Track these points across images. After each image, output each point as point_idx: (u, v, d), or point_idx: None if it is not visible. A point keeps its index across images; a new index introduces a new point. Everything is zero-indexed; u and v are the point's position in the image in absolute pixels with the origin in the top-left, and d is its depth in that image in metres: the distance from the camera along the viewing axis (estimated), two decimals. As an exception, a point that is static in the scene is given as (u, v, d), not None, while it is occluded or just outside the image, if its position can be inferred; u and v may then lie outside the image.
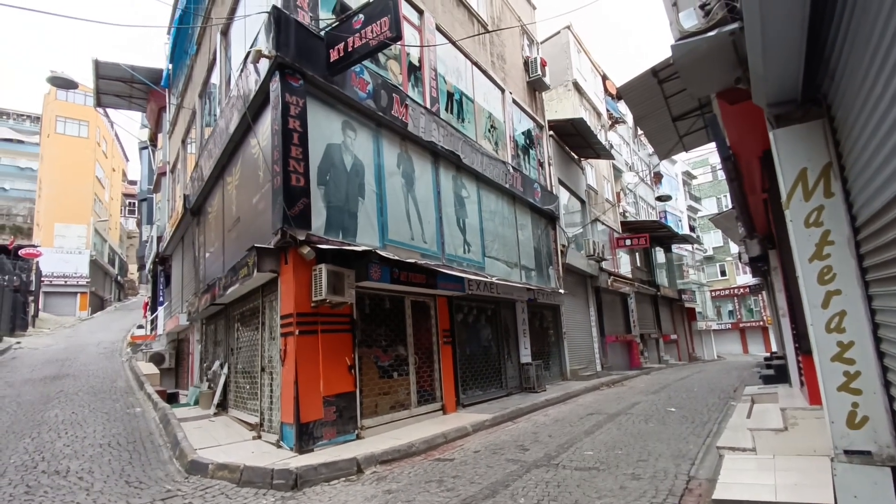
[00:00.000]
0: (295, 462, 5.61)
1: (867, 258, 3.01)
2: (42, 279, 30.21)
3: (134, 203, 45.86)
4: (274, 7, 6.84)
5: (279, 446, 6.56)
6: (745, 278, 38.26)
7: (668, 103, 8.26)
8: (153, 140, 21.60)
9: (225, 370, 9.67)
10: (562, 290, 15.13)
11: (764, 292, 21.78)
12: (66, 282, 34.07)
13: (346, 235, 7.62)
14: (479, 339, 11.47)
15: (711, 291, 43.68)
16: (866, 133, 2.56)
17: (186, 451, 6.06)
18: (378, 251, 7.59)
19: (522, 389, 12.12)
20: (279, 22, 6.83)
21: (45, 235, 34.97)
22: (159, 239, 17.69)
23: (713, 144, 9.55)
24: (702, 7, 3.47)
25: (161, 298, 18.10)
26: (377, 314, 8.41)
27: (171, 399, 11.02)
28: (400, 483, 5.11)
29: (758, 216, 8.04)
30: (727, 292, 43.57)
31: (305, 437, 6.33)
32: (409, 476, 5.38)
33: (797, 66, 2.97)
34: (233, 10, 9.22)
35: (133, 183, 47.93)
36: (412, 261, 8.27)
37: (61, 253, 34.13)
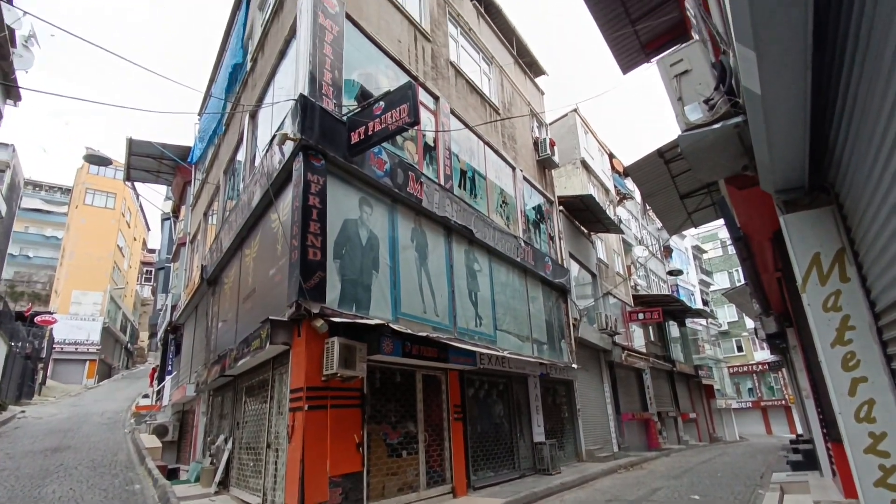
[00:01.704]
0: (298, 551, 5.30)
1: (891, 345, 2.98)
2: (54, 346, 30.26)
3: (151, 271, 46.71)
4: (301, 95, 7.35)
5: (282, 532, 6.22)
6: (763, 354, 37.16)
7: (676, 182, 8.50)
8: (176, 212, 22.40)
9: (229, 445, 9.38)
10: (575, 365, 14.78)
11: (784, 370, 21.08)
12: (76, 349, 34.09)
13: (360, 308, 7.67)
14: (491, 416, 11.10)
15: (729, 367, 42.29)
16: (878, 222, 2.63)
17: (185, 535, 5.77)
18: (391, 324, 7.58)
19: (536, 471, 11.52)
20: (305, 108, 7.30)
21: (62, 302, 35.49)
22: (173, 307, 17.84)
23: (722, 220, 9.71)
24: (706, 101, 3.69)
25: (169, 367, 17.93)
26: (387, 389, 8.24)
27: (172, 475, 10.63)
28: (409, 578, 4.77)
29: (772, 294, 8.00)
30: (745, 369, 42.16)
31: (310, 523, 6.01)
32: (419, 570, 5.03)
33: (802, 158, 3.11)
34: (262, 97, 9.89)
35: (152, 251, 49.12)
36: (424, 334, 8.22)
37: (76, 320, 34.46)
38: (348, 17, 8.66)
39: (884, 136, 2.18)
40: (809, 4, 2.09)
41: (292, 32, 8.55)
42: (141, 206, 47.48)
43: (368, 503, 6.97)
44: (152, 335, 28.43)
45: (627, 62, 8.64)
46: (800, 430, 20.33)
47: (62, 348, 32.99)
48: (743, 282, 12.39)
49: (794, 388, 13.66)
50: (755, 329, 22.00)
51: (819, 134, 3.13)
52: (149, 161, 17.27)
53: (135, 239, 46.35)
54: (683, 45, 7.60)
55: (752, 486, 9.45)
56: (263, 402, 8.14)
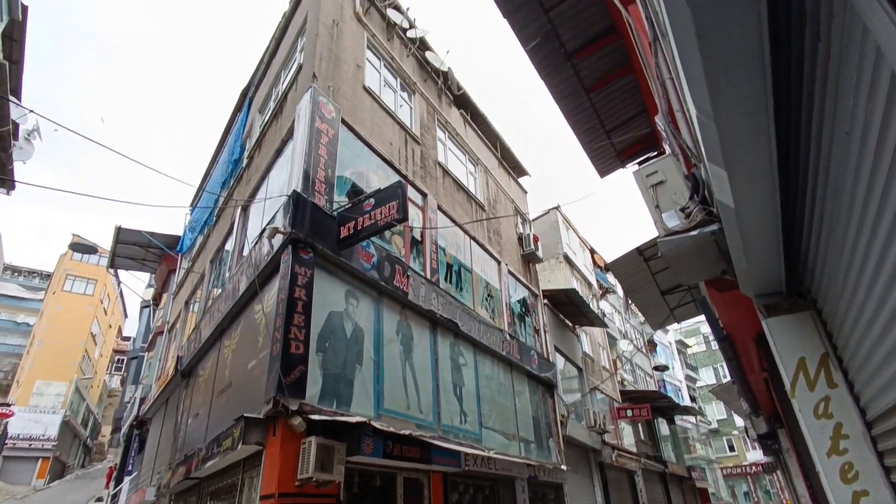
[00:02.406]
0: None
1: (888, 456, 2.92)
2: (6, 441, 27.91)
3: (123, 360, 44.68)
4: (294, 191, 7.60)
5: None
6: (756, 454, 35.84)
7: (656, 279, 8.72)
8: (157, 299, 21.99)
9: (186, 562, 8.44)
10: (564, 466, 14.04)
11: (779, 472, 20.25)
12: (30, 444, 31.42)
13: (340, 405, 7.35)
14: (476, 526, 10.27)
15: (722, 469, 40.54)
16: (858, 330, 2.70)
17: None
18: (372, 422, 7.24)
19: (526, 592, 10.47)
20: (297, 203, 7.52)
21: (22, 393, 33.30)
22: (142, 400, 16.89)
23: (703, 316, 9.84)
24: (682, 210, 3.91)
25: (129, 467, 16.55)
26: (366, 494, 7.66)
27: None
28: None
29: (760, 394, 7.92)
30: (739, 470, 40.43)
31: None
32: None
33: (778, 265, 3.25)
34: (255, 191, 10.20)
35: (127, 339, 47.36)
36: (407, 432, 7.83)
37: (35, 412, 32.13)
38: (344, 121, 9.23)
39: (853, 251, 2.31)
40: (772, 133, 2.31)
41: (290, 134, 9.03)
42: (121, 292, 46.51)
43: None
44: (115, 430, 26.54)
45: (604, 168, 9.24)
46: (803, 542, 19.10)
47: (14, 444, 30.39)
48: (729, 378, 12.29)
49: (791, 492, 13.05)
50: (745, 428, 21.45)
51: (793, 243, 3.30)
52: (135, 249, 17.25)
53: (110, 326, 44.82)
54: (655, 156, 8.20)
55: None
56: (230, 510, 7.48)
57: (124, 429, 20.22)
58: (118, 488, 17.06)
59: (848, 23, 1.67)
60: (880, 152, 1.76)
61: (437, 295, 10.35)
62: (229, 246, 11.04)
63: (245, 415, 6.59)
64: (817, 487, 5.17)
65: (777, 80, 2.15)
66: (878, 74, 1.58)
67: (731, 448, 42.21)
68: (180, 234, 16.03)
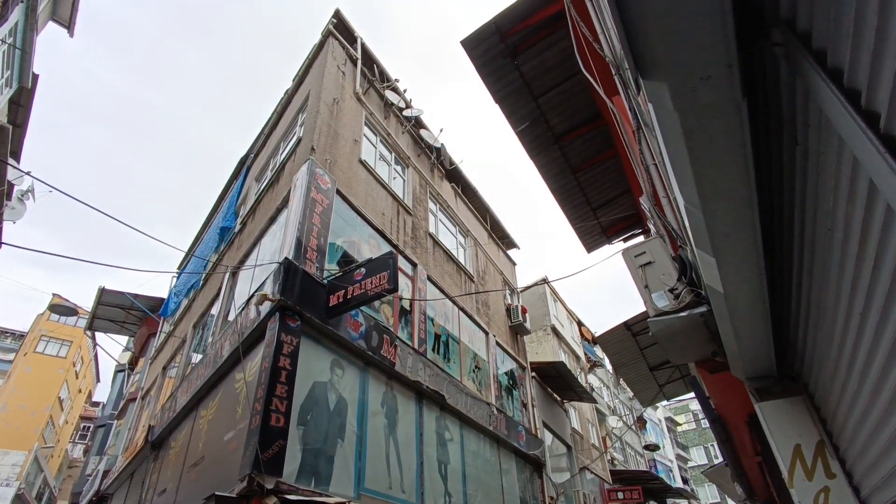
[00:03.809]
0: None
1: (892, 554, 2.82)
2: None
3: (90, 427, 42.07)
4: (286, 259, 7.62)
5: None
6: (755, 544, 33.98)
7: (644, 354, 8.70)
8: (133, 363, 21.17)
9: None
10: (554, 557, 13.17)
11: (780, 565, 19.13)
12: (-24, 518, 28.75)
13: (319, 483, 6.95)
14: None
15: (721, 560, 38.24)
16: (853, 420, 2.69)
17: None
18: (352, 503, 6.82)
19: None
20: (288, 271, 7.52)
21: (-24, 461, 30.93)
22: (106, 473, 15.77)
23: (692, 393, 9.71)
24: (671, 290, 3.99)
25: (81, 551, 15.14)
26: (341, 587, 7.06)
27: None
28: None
29: (755, 479, 7.66)
30: (738, 561, 38.14)
31: None
32: None
33: (768, 349, 3.29)
34: (246, 257, 10.21)
35: (96, 405, 44.88)
36: (389, 518, 7.37)
37: (-13, 486, 29.67)
38: (339, 192, 9.46)
39: (842, 342, 2.36)
40: (756, 225, 2.43)
41: (285, 202, 9.20)
42: (96, 355, 44.64)
43: None
44: (72, 504, 24.49)
45: (591, 244, 9.47)
46: None
47: (-43, 518, 27.81)
48: (721, 460, 11.92)
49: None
50: (742, 514, 20.53)
51: (782, 328, 3.36)
52: (117, 311, 16.83)
53: (80, 391, 42.53)
54: (640, 232, 8.44)
55: None
56: None
57: (83, 504, 18.68)
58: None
59: (824, 131, 1.82)
60: (863, 250, 1.85)
61: (424, 365, 10.15)
62: (215, 310, 10.85)
63: (217, 493, 6.18)
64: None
65: (760, 178, 2.30)
66: (855, 180, 1.70)
67: (728, 536, 40.03)
68: (164, 296, 15.77)
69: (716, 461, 33.48)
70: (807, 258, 2.50)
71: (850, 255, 1.96)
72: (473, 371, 12.93)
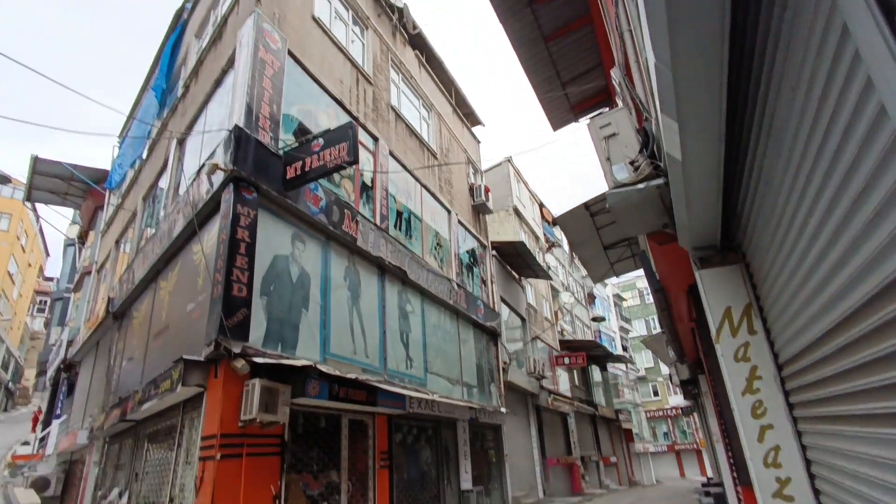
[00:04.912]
0: None
1: (792, 395, 3.23)
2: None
3: (46, 301, 41.88)
4: (236, 126, 7.13)
5: None
6: (678, 399, 39.20)
7: (600, 234, 9.00)
8: (83, 237, 20.51)
9: (124, 500, 8.36)
10: (504, 409, 14.79)
11: (696, 414, 22.28)
12: (-57, 388, 29.45)
13: (286, 348, 7.29)
14: (419, 463, 10.74)
15: (646, 412, 44.20)
16: (779, 283, 2.90)
17: None
18: (318, 365, 7.25)
19: (462, 522, 11.20)
20: (239, 139, 7.08)
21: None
22: (70, 343, 16.04)
23: (641, 270, 10.34)
24: (631, 163, 3.98)
25: (58, 411, 15.91)
26: (310, 434, 7.78)
27: (50, 538, 9.26)
28: None
29: (687, 343, 8.53)
30: (661, 413, 44.22)
31: (214, 590, 5.40)
32: None
33: (715, 220, 3.40)
34: (192, 124, 9.49)
35: (49, 279, 44.23)
36: (353, 376, 7.92)
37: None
38: (290, 54, 8.64)
39: (785, 205, 2.43)
40: (724, 86, 2.34)
41: (230, 63, 8.36)
42: (41, 229, 42.92)
43: (282, 564, 6.41)
44: (40, 373, 25.21)
45: (558, 120, 9.23)
46: (710, 474, 21.40)
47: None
48: (659, 330, 13.15)
49: (705, 432, 14.46)
50: (670, 375, 23.31)
51: (730, 200, 3.45)
52: (56, 182, 15.79)
53: (30, 265, 41.54)
54: (609, 109, 8.24)
55: (669, 531, 9.71)
56: (169, 450, 7.39)
57: (51, 372, 19.27)
58: (46, 432, 16.44)
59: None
60: (821, 107, 1.81)
61: (386, 242, 10.26)
62: (164, 183, 10.35)
63: (185, 357, 6.41)
64: (730, 424, 5.70)
65: (734, 33, 2.15)
66: (829, 27, 1.59)
67: (656, 393, 45.91)
68: (107, 168, 14.80)
69: (654, 332, 37.01)
70: (766, 122, 2.47)
71: (808, 116, 1.93)
72: (435, 248, 13.22)
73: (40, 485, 12.14)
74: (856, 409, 2.12)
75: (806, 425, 3.10)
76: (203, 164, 7.73)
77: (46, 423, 17.11)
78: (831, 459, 2.71)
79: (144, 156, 12.42)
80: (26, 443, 18.87)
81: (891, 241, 1.47)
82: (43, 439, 16.59)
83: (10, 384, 38.60)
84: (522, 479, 15.99)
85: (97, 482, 10.13)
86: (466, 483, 11.86)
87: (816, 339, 2.41)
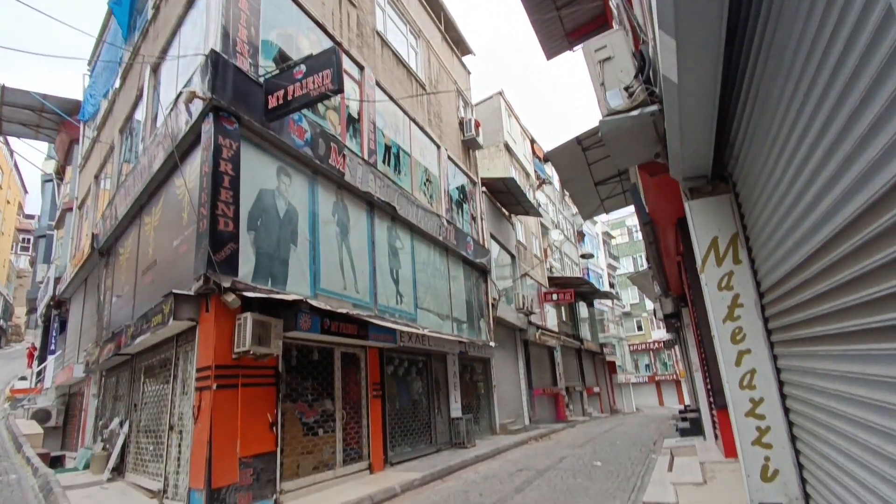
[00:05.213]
0: (202, 536, 5.03)
1: (771, 321, 3.32)
2: None
3: (29, 239, 41.29)
4: (212, 51, 6.73)
5: (184, 517, 5.88)
6: (660, 333, 40.66)
7: (591, 169, 8.89)
8: (60, 173, 19.91)
9: (125, 428, 8.66)
10: (492, 343, 15.26)
11: (677, 347, 23.20)
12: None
13: (276, 283, 7.31)
14: (410, 393, 11.18)
15: (630, 345, 45.93)
16: (766, 212, 2.89)
17: (71, 527, 5.26)
18: (309, 300, 7.31)
19: (452, 445, 11.83)
20: (217, 65, 6.71)
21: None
22: (57, 280, 15.99)
23: (631, 208, 10.34)
24: (626, 89, 3.84)
25: (52, 347, 16.14)
26: (304, 366, 7.99)
27: (56, 463, 9.66)
28: (322, 555, 4.70)
29: (672, 277, 8.69)
30: (644, 346, 46.00)
31: (216, 506, 5.72)
32: (333, 547, 4.98)
33: (708, 148, 3.34)
34: (165, 49, 8.96)
35: (30, 217, 43.39)
36: (344, 311, 8.03)
37: (-67, 293, 29.74)
38: (268, -30, 8.04)
39: (780, 127, 2.37)
40: (725, 1, 2.21)
41: (203, -19, 7.78)
42: (16, 164, 41.45)
43: (282, 482, 6.77)
44: (31, 311, 25.30)
45: (551, 48, 8.84)
46: (688, 402, 22.60)
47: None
48: (646, 266, 13.38)
49: (685, 363, 15.10)
50: (654, 310, 23.98)
51: (723, 129, 3.37)
52: (27, 113, 15.04)
53: (8, 202, 40.46)
54: (607, 32, 7.83)
55: (647, 452, 10.35)
56: (165, 382, 7.57)
57: (41, 309, 19.35)
58: (42, 366, 16.75)
59: None
60: (825, 19, 1.71)
61: (374, 177, 10.08)
62: (140, 115, 9.91)
63: (174, 291, 6.41)
64: (709, 353, 5.92)
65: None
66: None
67: (640, 328, 47.50)
68: (80, 98, 14.09)
69: (641, 269, 37.66)
70: (767, 38, 2.36)
71: (811, 28, 1.83)
72: (424, 184, 13.04)
73: (41, 416, 12.51)
74: (829, 328, 2.17)
75: (781, 349, 3.21)
76: (180, 93, 7.37)
77: (42, 359, 17.41)
78: (802, 379, 2.82)
79: (117, 84, 11.81)
80: (24, 378, 19.25)
81: (884, 153, 1.43)
82: (40, 374, 16.94)
83: (2, 322, 38.88)
84: (510, 408, 16.77)
85: (97, 413, 10.45)
86: (456, 411, 12.42)
87: (799, 263, 2.43)
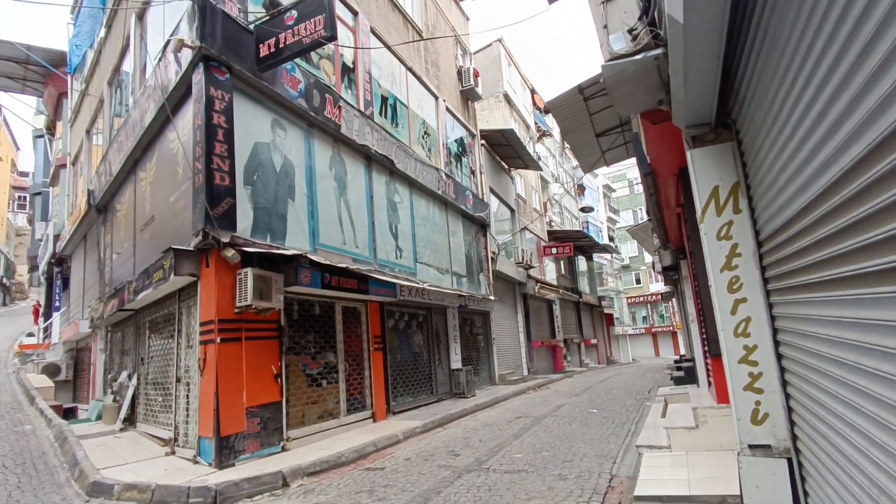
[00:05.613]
0: (214, 478, 5.26)
1: (768, 269, 3.33)
2: None
3: (25, 197, 41.02)
4: (199, -6, 6.45)
5: (196, 462, 6.13)
6: (658, 286, 41.10)
7: (593, 120, 8.72)
8: (51, 128, 19.53)
9: (134, 381, 8.90)
10: (492, 297, 15.44)
11: (674, 299, 23.47)
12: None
13: (275, 238, 7.31)
14: (411, 346, 11.42)
15: (628, 298, 46.53)
16: (769, 158, 2.83)
17: (87, 471, 5.50)
18: (308, 255, 7.34)
19: (453, 395, 12.19)
20: (204, 11, 6.44)
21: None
22: (56, 237, 16.00)
23: (632, 160, 10.18)
24: (629, 31, 3.69)
25: (57, 303, 16.34)
26: (306, 320, 8.12)
27: (68, 415, 9.98)
28: (328, 495, 4.94)
29: (672, 229, 8.66)
30: (641, 299, 46.62)
31: (226, 452, 5.95)
32: (338, 487, 5.22)
33: (712, 94, 3.23)
34: (151, -6, 8.58)
35: (24, 174, 42.95)
36: (344, 265, 8.08)
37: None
38: None
39: (788, 66, 2.28)
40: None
41: (185, -81, 7.34)
42: (6, 119, 40.57)
43: (288, 430, 7.01)
44: (33, 268, 25.44)
45: (554, -10, 8.44)
46: (683, 352, 23.11)
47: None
48: (646, 218, 13.33)
49: (682, 315, 15.32)
50: (653, 263, 24.14)
51: (727, 76, 3.26)
52: (11, 65, 14.56)
53: (0, 159, 40.00)
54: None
55: (641, 400, 10.68)
56: (170, 336, 7.72)
57: (42, 267, 19.47)
58: (48, 322, 17.03)
59: None
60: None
61: (371, 129, 9.89)
62: (128, 65, 9.61)
63: (174, 247, 6.42)
64: (706, 302, 5.99)
65: None
66: None
67: (638, 281, 47.97)
68: (66, 49, 13.61)
69: (641, 222, 37.67)
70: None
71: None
72: (423, 137, 12.82)
73: (51, 370, 12.83)
74: (825, 275, 2.18)
75: (777, 297, 3.23)
76: (168, 42, 7.12)
77: (47, 316, 17.67)
78: (796, 325, 2.86)
79: (102, 34, 11.38)
80: (31, 334, 19.62)
81: (891, 93, 1.38)
82: (46, 330, 17.24)
83: (5, 280, 39.17)
84: (509, 359, 17.17)
85: (105, 367, 10.70)
86: (456, 363, 12.72)
87: (800, 210, 2.41)
